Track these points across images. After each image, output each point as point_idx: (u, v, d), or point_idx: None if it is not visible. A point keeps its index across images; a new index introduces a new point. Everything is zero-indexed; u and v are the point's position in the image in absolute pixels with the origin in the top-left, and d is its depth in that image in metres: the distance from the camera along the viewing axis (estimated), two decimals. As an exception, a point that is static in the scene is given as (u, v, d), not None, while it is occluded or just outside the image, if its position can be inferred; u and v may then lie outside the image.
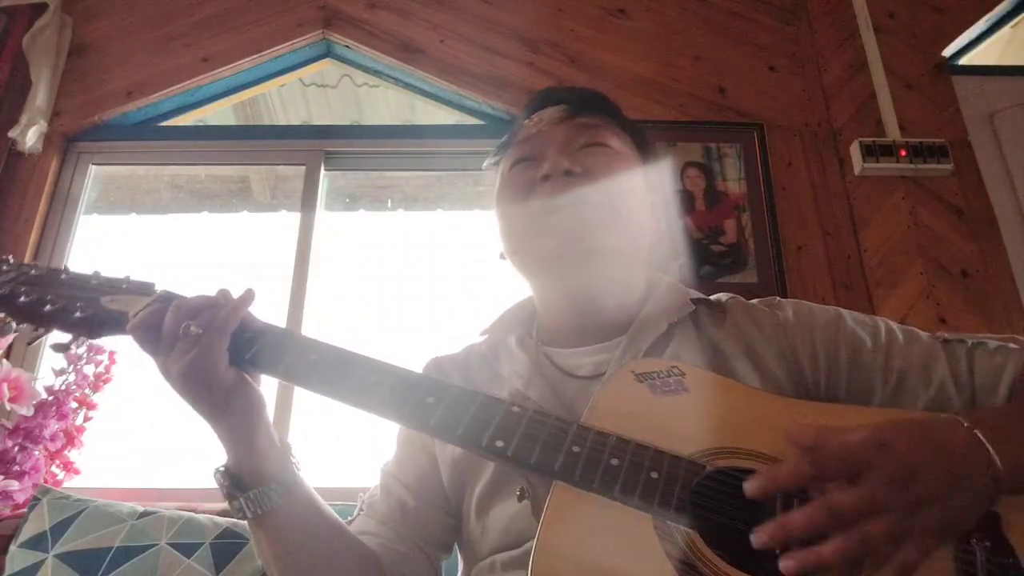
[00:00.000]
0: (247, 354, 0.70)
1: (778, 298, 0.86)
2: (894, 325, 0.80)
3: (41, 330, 0.74)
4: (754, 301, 0.87)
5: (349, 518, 0.85)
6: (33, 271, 0.77)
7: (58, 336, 0.75)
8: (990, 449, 0.57)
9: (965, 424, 0.59)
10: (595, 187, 0.81)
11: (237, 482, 0.71)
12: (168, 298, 0.74)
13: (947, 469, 0.55)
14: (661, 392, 0.70)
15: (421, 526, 0.83)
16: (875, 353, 0.76)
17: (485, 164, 0.98)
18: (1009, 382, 0.70)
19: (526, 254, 0.86)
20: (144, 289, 0.76)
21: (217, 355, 0.68)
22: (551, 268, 0.85)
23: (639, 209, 0.86)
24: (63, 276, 0.77)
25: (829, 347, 0.78)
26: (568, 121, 0.87)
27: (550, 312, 0.89)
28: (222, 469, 0.72)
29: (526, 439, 0.63)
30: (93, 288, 0.76)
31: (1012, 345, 0.74)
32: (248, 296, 0.72)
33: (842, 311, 0.82)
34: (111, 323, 0.73)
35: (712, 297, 0.88)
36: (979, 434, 0.57)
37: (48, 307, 0.73)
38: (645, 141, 0.94)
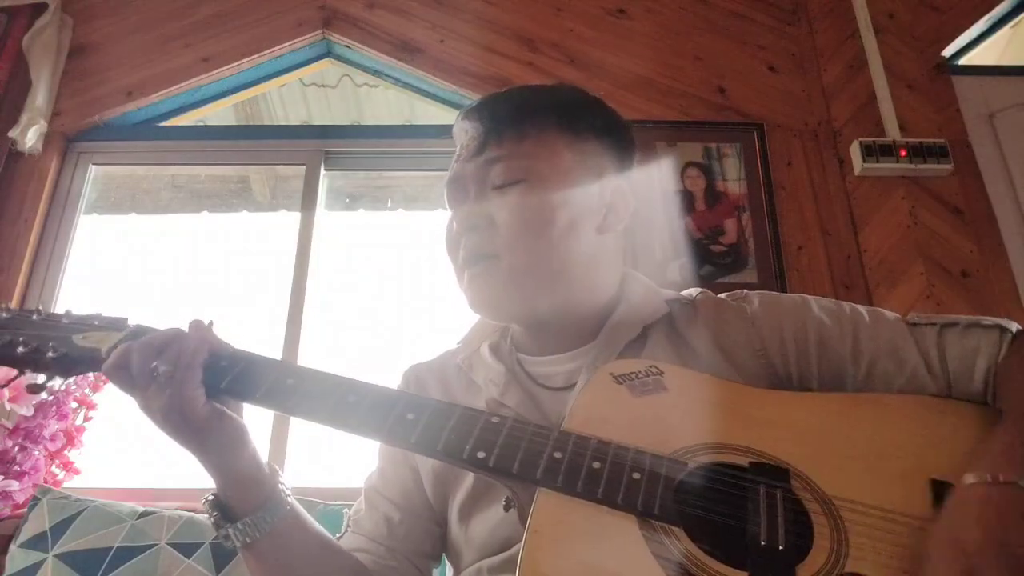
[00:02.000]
0: (222, 383, 0.70)
1: (745, 291, 0.86)
2: (860, 308, 0.79)
3: (15, 372, 0.74)
4: (722, 295, 0.86)
5: (338, 535, 0.85)
6: (4, 313, 0.76)
7: (33, 376, 0.75)
8: None
9: (997, 478, 0.57)
10: (503, 238, 0.79)
11: (226, 512, 0.71)
12: (140, 332, 0.73)
13: (1013, 527, 0.54)
14: (640, 392, 0.70)
15: (409, 539, 0.83)
16: (843, 338, 0.76)
17: None
18: (984, 367, 0.70)
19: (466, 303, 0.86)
20: (116, 324, 0.75)
21: (191, 392, 0.67)
22: (489, 318, 0.87)
23: (568, 232, 0.80)
24: (34, 317, 0.76)
25: (797, 336, 0.77)
26: (478, 157, 0.82)
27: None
28: (211, 498, 0.72)
29: (507, 449, 0.63)
30: (65, 327, 0.75)
31: (984, 323, 0.73)
32: (210, 335, 0.70)
33: (808, 298, 0.81)
34: (84, 361, 0.73)
35: (683, 293, 0.87)
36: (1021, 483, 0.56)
37: (21, 349, 0.72)
38: (602, 123, 0.86)
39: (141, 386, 0.68)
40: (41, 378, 0.74)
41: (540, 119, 0.83)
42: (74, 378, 1.69)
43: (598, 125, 0.86)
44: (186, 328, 0.73)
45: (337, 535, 0.84)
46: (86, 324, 0.76)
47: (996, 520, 0.54)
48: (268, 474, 0.73)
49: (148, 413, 0.68)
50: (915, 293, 1.90)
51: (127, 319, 0.76)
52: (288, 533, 0.73)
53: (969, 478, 0.58)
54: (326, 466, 1.88)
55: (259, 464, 0.73)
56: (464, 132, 0.85)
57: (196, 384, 0.67)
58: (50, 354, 0.72)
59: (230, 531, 0.70)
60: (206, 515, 0.72)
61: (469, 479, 0.79)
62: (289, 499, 0.74)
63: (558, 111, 0.84)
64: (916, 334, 0.75)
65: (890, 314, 0.79)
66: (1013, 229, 2.01)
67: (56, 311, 0.77)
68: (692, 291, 0.87)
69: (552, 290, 0.80)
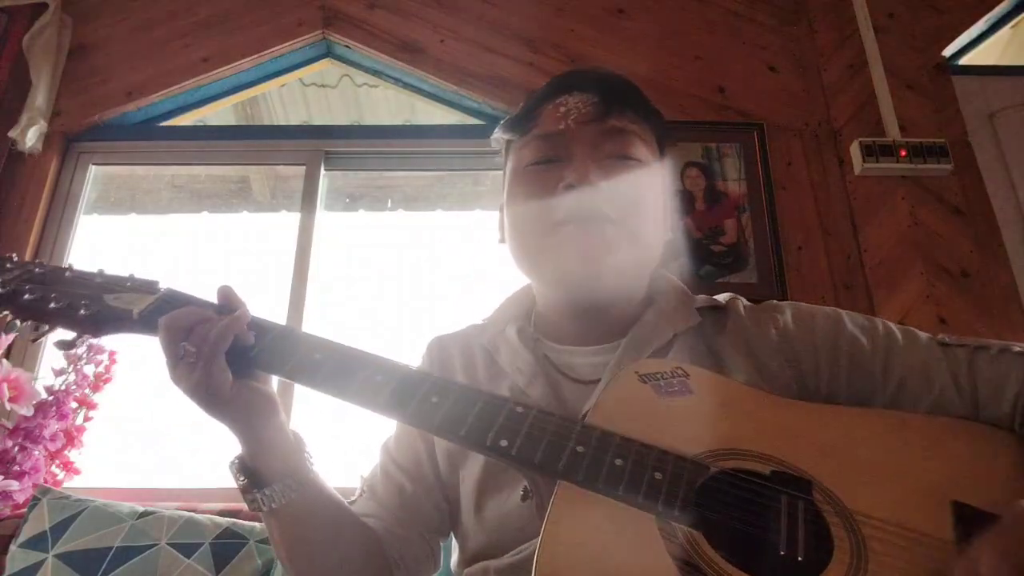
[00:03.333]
0: (251, 353, 0.70)
1: (776, 301, 0.86)
2: (893, 326, 0.79)
3: (45, 327, 0.74)
4: (751, 305, 0.86)
5: (352, 498, 0.87)
6: (37, 269, 0.77)
7: (62, 334, 0.75)
8: None
9: None
10: (620, 206, 0.78)
11: (253, 478, 0.72)
12: (171, 296, 0.74)
13: None
14: (665, 393, 0.70)
15: (418, 511, 0.84)
16: (874, 355, 0.76)
17: (494, 135, 0.92)
18: (1014, 393, 0.69)
19: (537, 264, 0.83)
20: (147, 287, 0.76)
21: (216, 373, 0.67)
22: (562, 283, 0.83)
23: (655, 221, 0.83)
24: (67, 274, 0.77)
25: (829, 350, 0.77)
26: (599, 123, 0.81)
27: (549, 309, 0.88)
28: (236, 463, 0.73)
29: (530, 439, 0.63)
30: (97, 286, 0.76)
31: (1016, 348, 0.73)
32: (243, 315, 0.71)
33: (841, 313, 0.81)
34: (115, 321, 0.73)
35: (715, 298, 0.87)
36: None
37: (52, 304, 0.73)
38: (667, 136, 0.90)
39: (170, 363, 0.68)
40: (71, 335, 0.74)
41: (652, 112, 0.87)
42: (84, 361, 1.69)
43: (668, 142, 0.90)
44: (215, 297, 0.74)
45: (351, 499, 0.86)
46: (119, 284, 0.76)
47: None
48: (294, 443, 0.75)
49: (177, 385, 0.69)
50: (915, 293, 1.90)
51: (159, 282, 0.77)
52: (311, 501, 0.74)
53: None
54: (325, 465, 1.88)
55: (285, 433, 0.74)
56: (576, 93, 0.84)
57: (221, 367, 0.67)
58: (82, 312, 0.72)
59: (258, 496, 0.71)
60: (235, 477, 0.73)
61: (479, 459, 0.79)
62: (313, 468, 0.75)
63: (655, 117, 0.88)
64: (948, 355, 0.74)
65: (923, 334, 0.78)
66: (1013, 229, 2.01)
67: (89, 270, 0.78)
68: (723, 296, 0.87)
69: (637, 269, 0.83)
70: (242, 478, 0.72)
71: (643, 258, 0.83)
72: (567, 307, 0.85)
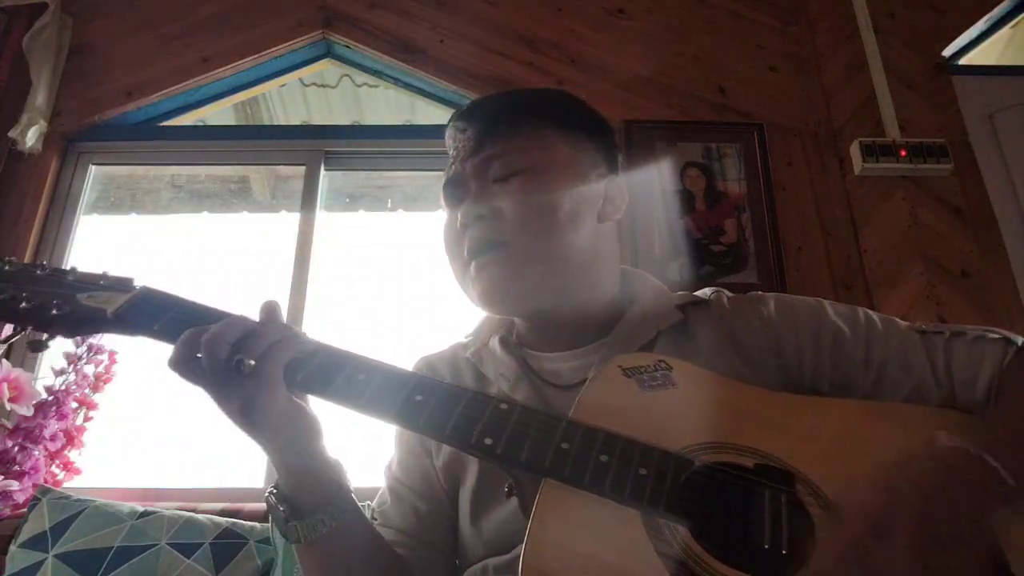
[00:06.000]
0: (298, 376, 0.66)
1: (760, 292, 0.86)
2: (873, 315, 0.80)
3: (18, 328, 0.72)
4: (735, 296, 0.87)
5: None
6: (7, 267, 0.74)
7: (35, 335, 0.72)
8: (1004, 474, 0.56)
9: (972, 452, 0.57)
10: (509, 229, 0.78)
11: (294, 508, 0.68)
12: (147, 294, 0.72)
13: (964, 504, 0.54)
14: (649, 387, 0.69)
15: (436, 528, 0.83)
16: (856, 343, 0.76)
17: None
18: (988, 376, 0.71)
19: (469, 300, 0.86)
20: (122, 285, 0.73)
21: (274, 387, 0.64)
22: (493, 312, 0.87)
23: (572, 218, 0.80)
24: (39, 272, 0.74)
25: (812, 339, 0.78)
26: (476, 155, 0.83)
27: (521, 321, 0.89)
28: (275, 492, 0.69)
29: (515, 436, 0.63)
30: (69, 284, 0.73)
31: (991, 335, 0.74)
32: (291, 331, 0.68)
33: (823, 302, 0.82)
34: (89, 320, 0.70)
35: (697, 293, 0.87)
36: (989, 459, 0.56)
37: (24, 304, 0.70)
38: (590, 122, 0.88)
39: (218, 381, 0.63)
40: (43, 336, 0.72)
41: (534, 116, 0.85)
42: (56, 355, 1.69)
43: (588, 124, 0.88)
44: (259, 312, 0.70)
45: None
46: (92, 283, 0.73)
47: (942, 486, 0.54)
48: (336, 469, 0.71)
49: (223, 407, 0.64)
50: (915, 293, 1.90)
51: (133, 280, 0.74)
52: (350, 531, 0.71)
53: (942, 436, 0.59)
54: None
55: (328, 459, 0.71)
56: (459, 134, 0.86)
57: (279, 380, 0.64)
58: (54, 312, 0.69)
59: (297, 526, 0.67)
60: (273, 508, 0.69)
61: (474, 473, 0.79)
62: (352, 496, 0.72)
63: (550, 109, 0.87)
64: (925, 342, 0.75)
65: (902, 323, 0.79)
66: (1013, 229, 2.01)
67: (62, 267, 0.75)
68: (706, 291, 0.87)
69: (559, 278, 0.80)
70: (282, 508, 0.68)
71: (564, 264, 0.80)
72: (529, 322, 0.86)
